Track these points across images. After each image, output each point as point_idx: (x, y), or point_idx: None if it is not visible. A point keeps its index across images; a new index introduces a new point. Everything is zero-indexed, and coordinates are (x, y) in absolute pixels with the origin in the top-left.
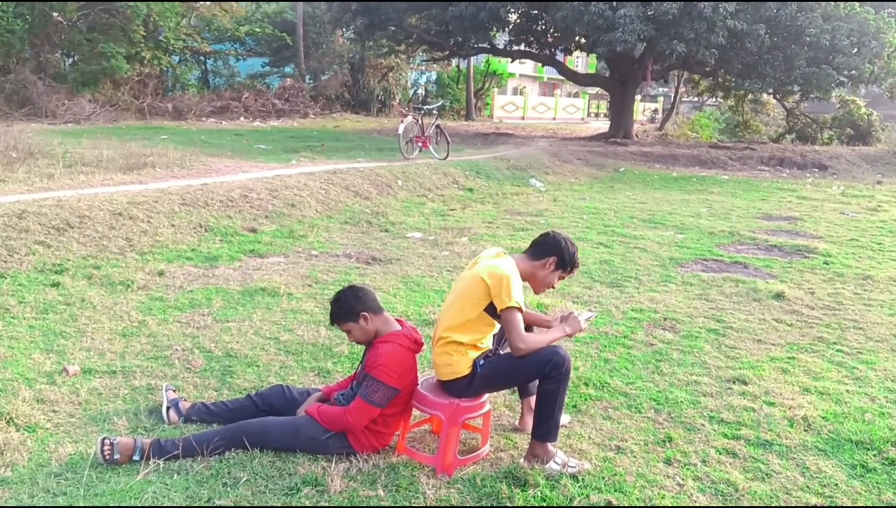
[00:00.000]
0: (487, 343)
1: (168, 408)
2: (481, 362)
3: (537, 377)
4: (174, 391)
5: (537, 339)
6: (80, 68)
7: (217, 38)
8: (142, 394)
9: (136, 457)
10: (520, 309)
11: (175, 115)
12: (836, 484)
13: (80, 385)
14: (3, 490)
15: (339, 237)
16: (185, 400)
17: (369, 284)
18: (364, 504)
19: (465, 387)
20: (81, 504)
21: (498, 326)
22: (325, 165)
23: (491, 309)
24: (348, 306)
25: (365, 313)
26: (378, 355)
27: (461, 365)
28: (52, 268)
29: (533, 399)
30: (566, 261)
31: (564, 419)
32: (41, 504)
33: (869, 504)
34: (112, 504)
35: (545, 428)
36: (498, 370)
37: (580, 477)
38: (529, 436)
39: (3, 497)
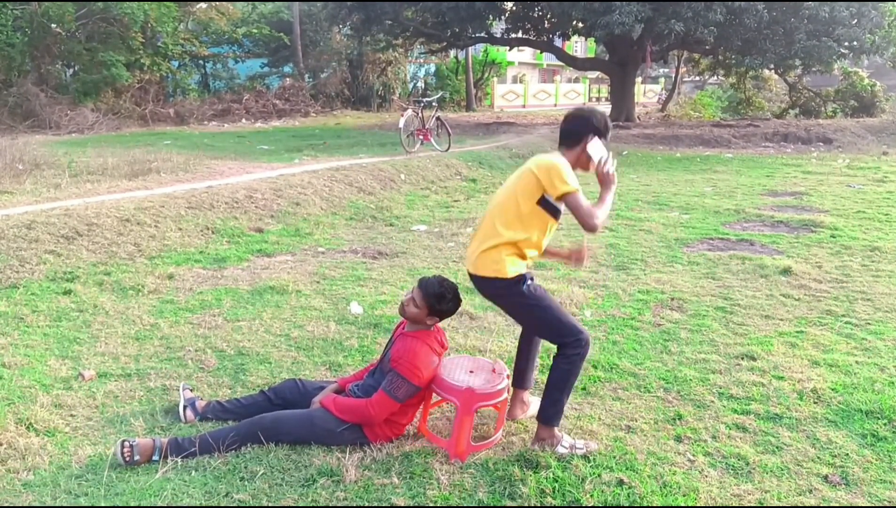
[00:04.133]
0: (535, 252)
1: (185, 407)
2: (531, 280)
3: (554, 339)
4: (191, 390)
5: (602, 208)
6: (81, 78)
7: (215, 41)
8: (157, 395)
9: (155, 457)
10: (577, 191)
11: (177, 120)
12: (847, 454)
13: (97, 389)
14: (26, 493)
15: (344, 233)
16: (200, 399)
17: (376, 278)
18: (379, 492)
19: (500, 291)
20: (103, 504)
21: (549, 232)
22: (327, 163)
23: (543, 204)
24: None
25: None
26: (406, 350)
27: (506, 267)
28: (64, 276)
29: (525, 394)
30: (602, 131)
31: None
32: (64, 505)
33: (880, 472)
34: (133, 504)
35: (552, 411)
36: (537, 299)
37: (592, 457)
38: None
39: (26, 500)
